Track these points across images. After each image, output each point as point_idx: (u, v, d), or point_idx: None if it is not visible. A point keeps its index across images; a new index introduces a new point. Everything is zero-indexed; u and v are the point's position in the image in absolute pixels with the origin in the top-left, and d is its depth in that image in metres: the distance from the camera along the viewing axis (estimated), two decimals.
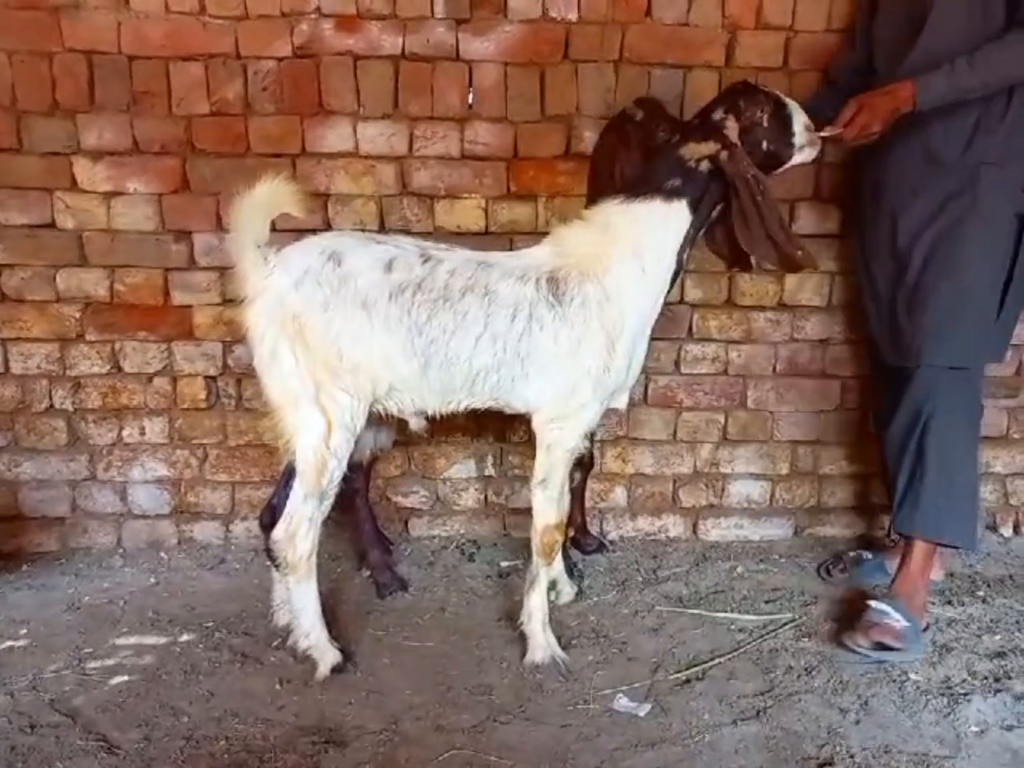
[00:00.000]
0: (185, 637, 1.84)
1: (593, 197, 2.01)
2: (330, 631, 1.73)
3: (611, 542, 2.35)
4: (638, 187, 1.70)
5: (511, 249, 2.18)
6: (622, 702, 1.61)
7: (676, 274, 1.76)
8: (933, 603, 1.98)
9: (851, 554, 2.19)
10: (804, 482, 2.41)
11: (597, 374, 1.66)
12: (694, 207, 1.68)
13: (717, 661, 1.75)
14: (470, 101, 2.14)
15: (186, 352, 2.22)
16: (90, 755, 1.45)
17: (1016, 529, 2.45)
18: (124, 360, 2.22)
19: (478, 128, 2.16)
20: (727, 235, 1.76)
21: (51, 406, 2.23)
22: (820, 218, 2.27)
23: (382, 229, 2.16)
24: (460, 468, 2.35)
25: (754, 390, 2.35)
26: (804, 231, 2.26)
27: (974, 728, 1.54)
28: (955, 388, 1.82)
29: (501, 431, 2.33)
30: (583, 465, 2.12)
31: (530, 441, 2.35)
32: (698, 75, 2.17)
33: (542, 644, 1.74)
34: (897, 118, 1.73)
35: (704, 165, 1.65)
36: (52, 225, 2.14)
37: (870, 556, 2.17)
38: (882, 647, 1.73)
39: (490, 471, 2.37)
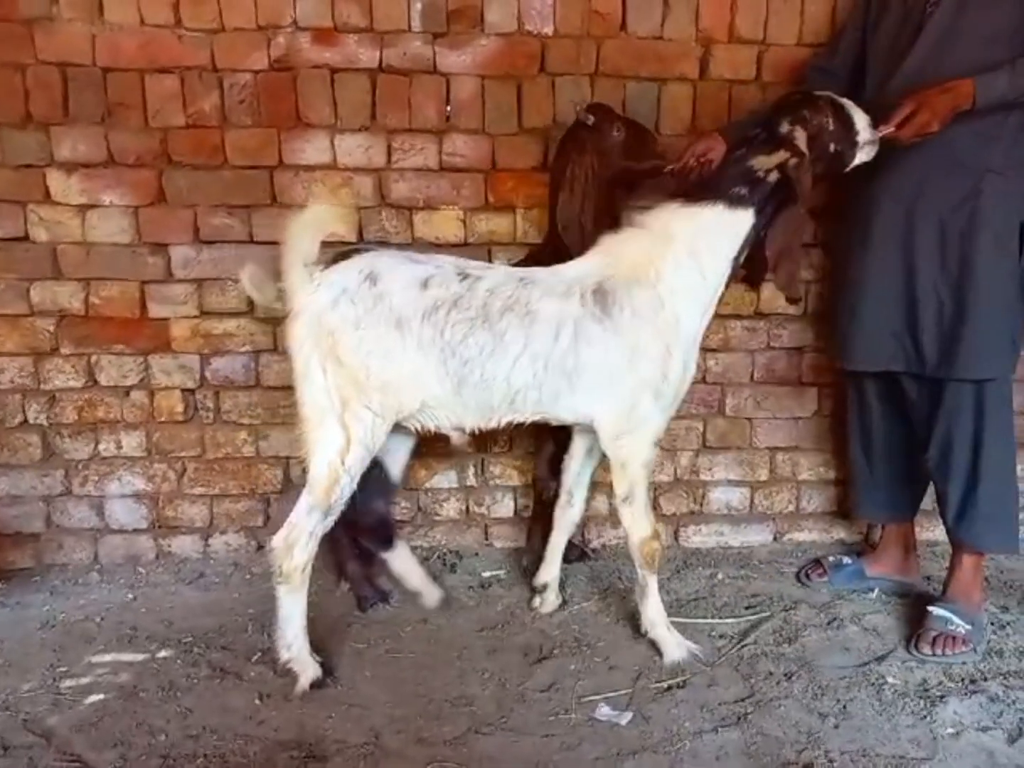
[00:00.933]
0: (163, 653, 1.81)
1: (555, 207, 2.02)
2: (311, 645, 1.71)
3: (593, 551, 2.35)
4: (700, 193, 1.71)
5: (489, 259, 2.21)
6: (604, 711, 1.61)
7: (730, 278, 1.76)
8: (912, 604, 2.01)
9: (830, 559, 2.21)
10: (783, 488, 2.44)
11: (655, 382, 1.67)
12: (758, 212, 1.70)
13: (698, 668, 1.76)
14: (447, 112, 2.16)
15: (163, 365, 2.20)
16: None
17: None
18: (100, 373, 2.20)
19: (456, 140, 2.17)
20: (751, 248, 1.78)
21: (25, 421, 2.19)
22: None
23: (361, 240, 2.16)
24: (441, 479, 2.35)
25: (732, 398, 2.37)
26: None
27: (950, 730, 1.56)
28: (998, 399, 1.83)
29: (482, 441, 2.33)
30: (560, 474, 2.12)
31: (512, 451, 2.37)
32: (673, 88, 2.20)
33: (674, 643, 1.78)
34: (954, 116, 1.69)
35: (773, 175, 1.67)
36: (25, 238, 2.12)
37: (849, 561, 2.19)
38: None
39: (471, 481, 2.37)
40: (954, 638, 1.80)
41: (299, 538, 1.64)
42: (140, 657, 1.80)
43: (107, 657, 1.80)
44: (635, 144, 1.99)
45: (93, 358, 2.19)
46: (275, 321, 2.19)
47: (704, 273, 1.69)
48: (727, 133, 1.93)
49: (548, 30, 2.14)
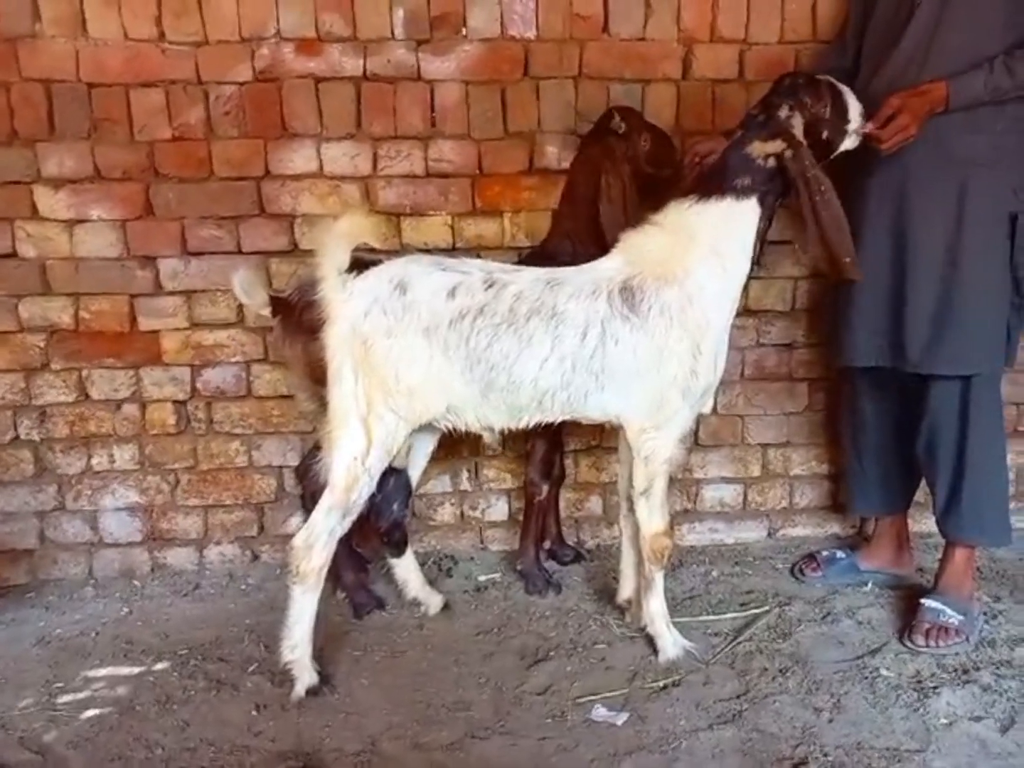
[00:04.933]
0: (159, 666, 1.81)
1: (568, 210, 2.03)
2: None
3: (588, 551, 2.36)
4: (708, 187, 1.70)
5: None
6: (600, 712, 1.62)
7: (749, 273, 1.74)
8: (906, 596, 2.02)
9: (824, 554, 2.22)
10: (776, 484, 2.45)
11: (684, 380, 1.67)
12: (762, 202, 1.69)
13: (694, 666, 1.76)
14: (432, 118, 2.16)
15: (154, 377, 2.21)
16: None
17: None
18: (91, 388, 2.20)
19: (442, 146, 2.18)
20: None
21: (16, 437, 2.19)
22: (780, 225, 2.28)
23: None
24: (435, 483, 2.35)
25: (723, 395, 2.38)
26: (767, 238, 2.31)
27: (943, 720, 1.57)
28: (985, 393, 1.83)
29: (475, 445, 2.34)
30: (553, 477, 2.13)
31: (505, 454, 2.37)
32: (656, 88, 2.21)
33: (670, 641, 1.79)
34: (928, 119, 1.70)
35: (771, 162, 1.67)
36: (13, 254, 2.12)
37: (843, 555, 2.20)
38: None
39: (465, 485, 2.37)
40: (947, 629, 1.81)
41: (318, 539, 1.66)
42: (136, 671, 1.80)
43: (103, 671, 1.80)
44: (658, 152, 1.99)
45: (84, 372, 2.19)
46: (265, 331, 2.20)
47: (726, 267, 1.69)
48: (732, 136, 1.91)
49: (531, 34, 2.15)
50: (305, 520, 1.95)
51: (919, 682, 1.69)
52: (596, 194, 1.96)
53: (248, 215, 2.16)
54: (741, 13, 2.19)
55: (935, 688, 1.66)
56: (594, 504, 2.41)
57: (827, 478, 2.46)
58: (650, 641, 1.83)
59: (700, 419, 2.38)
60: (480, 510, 2.38)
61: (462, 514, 2.38)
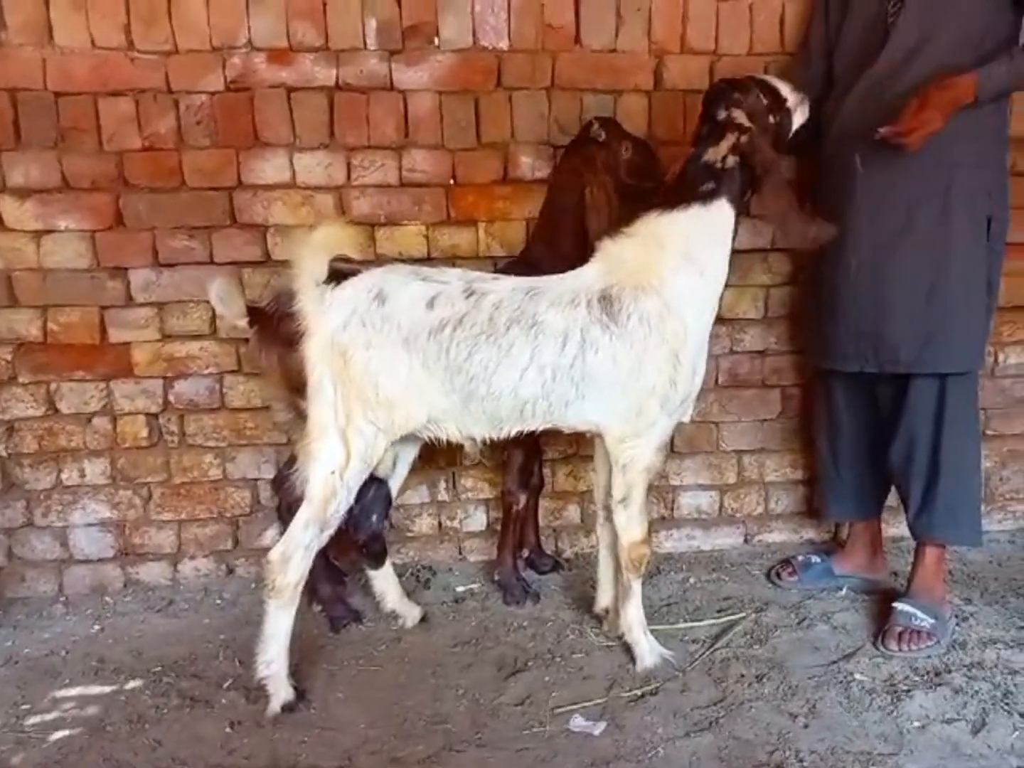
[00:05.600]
0: (131, 684, 1.78)
1: (548, 219, 2.04)
2: None
3: (566, 560, 2.36)
4: (674, 198, 1.71)
5: None
6: (578, 722, 1.62)
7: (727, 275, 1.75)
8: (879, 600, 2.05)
9: (799, 558, 2.24)
10: (751, 490, 2.47)
11: (663, 389, 1.67)
12: (734, 201, 1.70)
13: (671, 674, 1.77)
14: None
15: (125, 390, 2.17)
16: None
17: None
18: (60, 401, 2.16)
19: (415, 156, 2.18)
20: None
21: None
22: (752, 233, 2.33)
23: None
24: (412, 494, 2.34)
25: (698, 402, 2.38)
26: (737, 247, 2.32)
27: (916, 723, 1.59)
28: (962, 393, 1.86)
29: (452, 455, 2.33)
30: (531, 487, 2.13)
31: (482, 463, 2.37)
32: (628, 99, 2.22)
33: (647, 649, 1.79)
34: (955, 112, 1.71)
35: (731, 160, 1.68)
36: None
37: (818, 560, 2.22)
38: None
39: (443, 496, 2.36)
40: (919, 633, 1.84)
41: (295, 553, 1.64)
42: (107, 690, 1.77)
43: (73, 691, 1.77)
44: (640, 163, 2.00)
45: (52, 386, 2.15)
46: (238, 342, 2.18)
47: (703, 272, 1.70)
48: None
49: (503, 45, 2.16)
50: (281, 532, 1.94)
51: (892, 686, 1.71)
52: (578, 203, 1.96)
53: (220, 225, 2.14)
54: (711, 25, 2.22)
55: (908, 691, 1.68)
56: (572, 513, 2.41)
57: (802, 484, 2.48)
58: (628, 649, 1.83)
59: (676, 426, 2.40)
60: (458, 520, 2.37)
61: (440, 525, 2.37)
